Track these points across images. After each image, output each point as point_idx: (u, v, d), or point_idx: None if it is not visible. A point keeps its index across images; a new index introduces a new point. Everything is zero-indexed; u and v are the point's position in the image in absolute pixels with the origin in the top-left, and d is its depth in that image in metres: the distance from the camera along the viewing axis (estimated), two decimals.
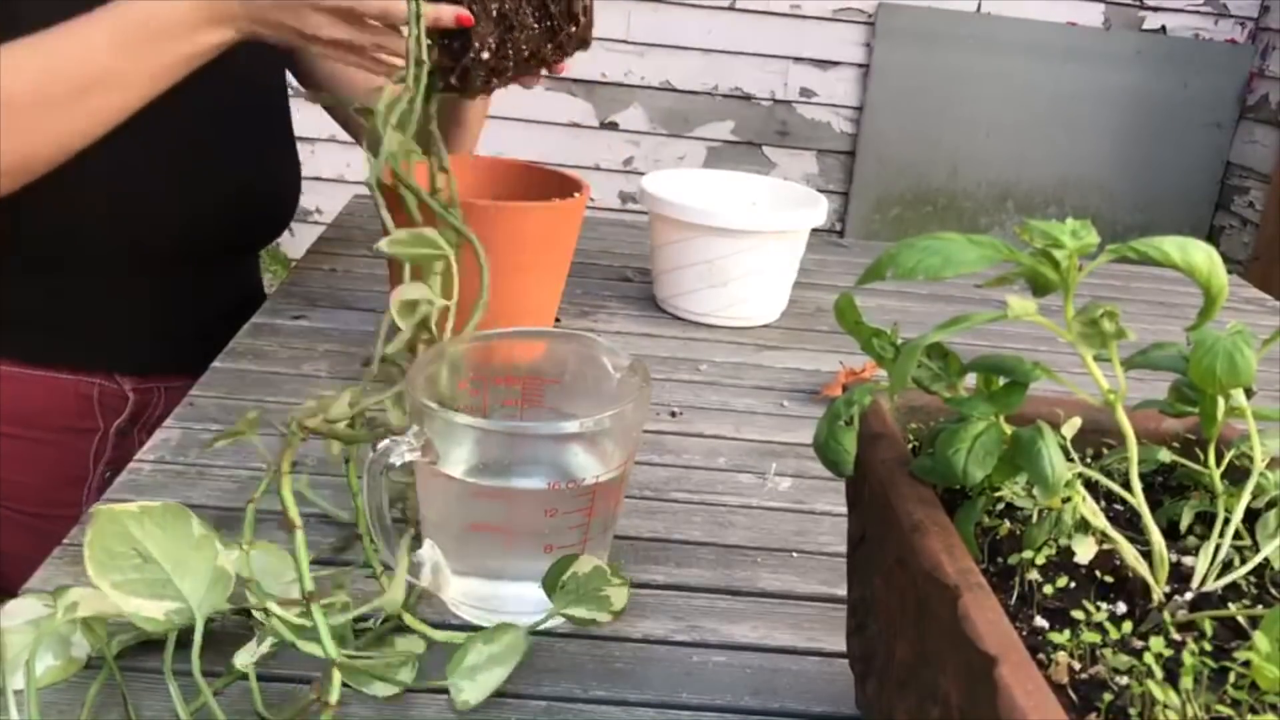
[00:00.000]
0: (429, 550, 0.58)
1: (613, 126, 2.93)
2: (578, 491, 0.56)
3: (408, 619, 0.56)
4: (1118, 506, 0.45)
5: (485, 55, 0.78)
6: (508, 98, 0.92)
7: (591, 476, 0.57)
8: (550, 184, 0.95)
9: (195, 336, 1.01)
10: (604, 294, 1.16)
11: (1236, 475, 0.43)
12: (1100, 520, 0.40)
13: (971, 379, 0.44)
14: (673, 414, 0.88)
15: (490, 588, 0.60)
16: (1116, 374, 0.41)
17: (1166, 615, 0.38)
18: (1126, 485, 0.42)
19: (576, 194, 0.90)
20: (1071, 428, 0.44)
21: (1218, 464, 0.43)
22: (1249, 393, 0.42)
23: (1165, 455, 0.46)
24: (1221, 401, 0.41)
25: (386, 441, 0.54)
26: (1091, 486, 0.43)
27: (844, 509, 0.51)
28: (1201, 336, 0.39)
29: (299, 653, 0.50)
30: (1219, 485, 0.43)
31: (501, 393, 0.64)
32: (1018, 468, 0.40)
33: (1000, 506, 0.44)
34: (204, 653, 0.52)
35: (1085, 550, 0.40)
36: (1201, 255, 0.38)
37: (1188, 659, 0.35)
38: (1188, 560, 0.41)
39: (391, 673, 0.52)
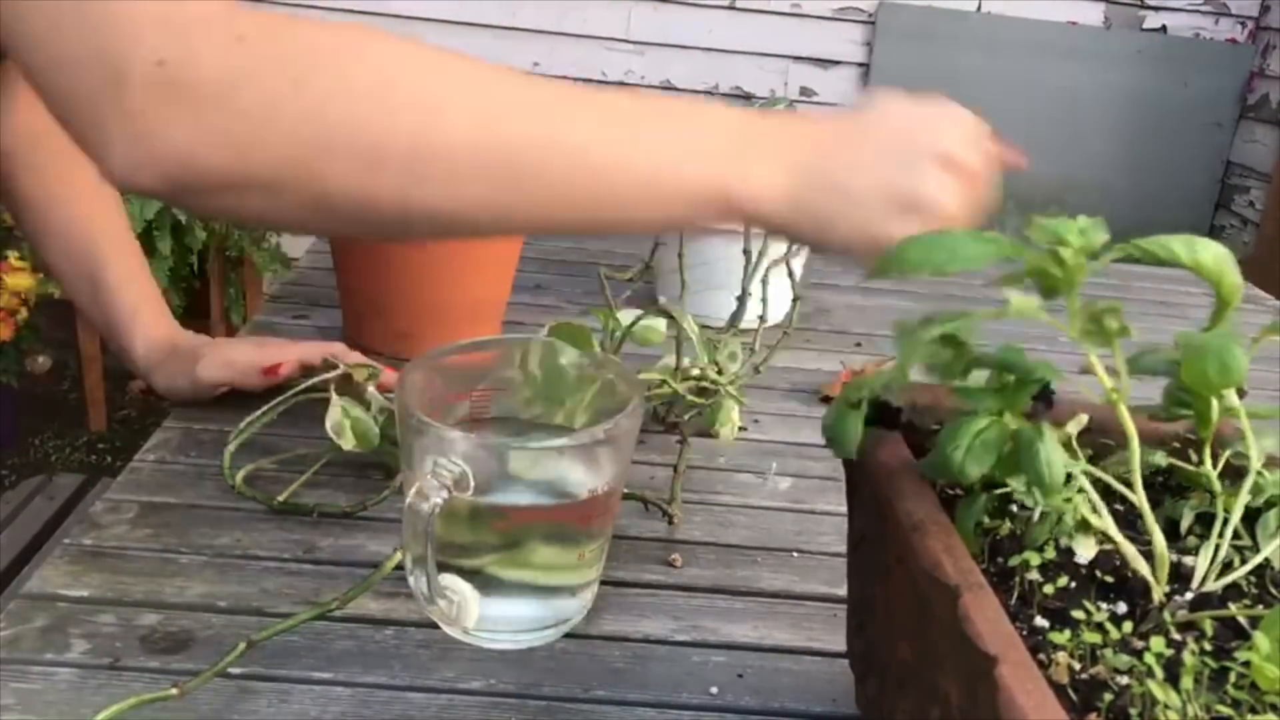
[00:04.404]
0: (451, 580, 0.56)
1: None
2: (572, 505, 0.56)
3: None
4: (1117, 507, 0.45)
5: None
6: None
7: (586, 490, 0.56)
8: None
9: None
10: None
11: (1235, 475, 0.43)
12: (1101, 520, 0.40)
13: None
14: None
15: (485, 607, 0.57)
16: (1120, 372, 0.40)
17: (1167, 615, 0.38)
18: (1127, 484, 0.42)
19: None
20: (1078, 424, 0.44)
21: (1214, 464, 0.43)
22: (1241, 392, 0.42)
23: (1161, 459, 0.46)
24: (1215, 402, 0.41)
25: (426, 480, 0.52)
26: (1093, 485, 0.43)
27: (844, 509, 0.51)
28: (1189, 339, 0.39)
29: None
30: (1217, 485, 0.43)
31: (482, 404, 0.63)
32: (1018, 466, 0.40)
33: (1002, 505, 0.44)
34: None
35: (1086, 550, 0.40)
36: (1210, 255, 0.38)
37: (1188, 659, 0.35)
38: (1188, 560, 0.41)
39: None
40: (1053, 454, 0.38)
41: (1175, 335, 0.40)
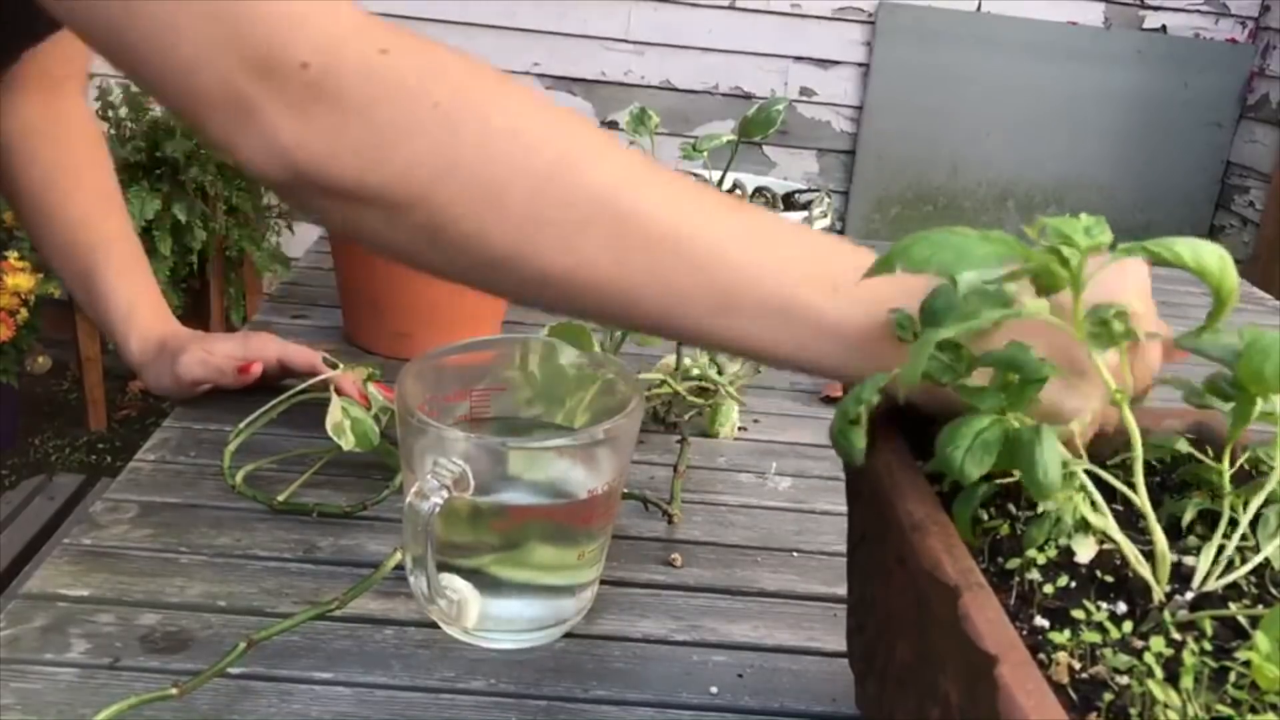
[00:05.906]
0: (451, 580, 0.56)
1: (613, 126, 2.93)
2: (572, 505, 0.56)
3: None
4: (1117, 507, 0.45)
5: None
6: None
7: (585, 490, 0.56)
8: None
9: None
10: None
11: (1241, 478, 0.43)
12: (1101, 520, 0.40)
13: None
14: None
15: (485, 607, 0.57)
16: (1124, 374, 0.40)
17: (1167, 615, 0.38)
18: (1128, 484, 0.42)
19: None
20: (1080, 423, 0.44)
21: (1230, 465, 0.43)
22: None
23: (1183, 445, 0.45)
24: (1260, 402, 0.40)
25: (426, 480, 0.52)
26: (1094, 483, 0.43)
27: (844, 509, 0.51)
28: (1256, 336, 0.38)
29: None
30: (1228, 485, 0.43)
31: (482, 404, 0.63)
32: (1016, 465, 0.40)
33: (1001, 505, 0.44)
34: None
35: (1086, 550, 0.40)
36: (1213, 257, 0.38)
37: (1188, 659, 0.35)
38: (1188, 560, 0.41)
39: None
40: (1050, 456, 0.38)
41: (1241, 329, 0.39)
